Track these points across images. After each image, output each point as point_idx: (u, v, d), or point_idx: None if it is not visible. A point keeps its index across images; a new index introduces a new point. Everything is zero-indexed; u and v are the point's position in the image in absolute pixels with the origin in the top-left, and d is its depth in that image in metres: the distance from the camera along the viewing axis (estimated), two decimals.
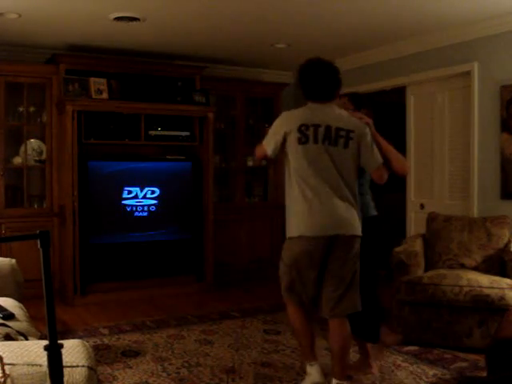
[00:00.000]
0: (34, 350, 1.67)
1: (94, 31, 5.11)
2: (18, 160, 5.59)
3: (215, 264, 6.05)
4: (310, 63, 3.11)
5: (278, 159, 3.90)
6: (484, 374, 3.26)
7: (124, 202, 5.71)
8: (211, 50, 5.91)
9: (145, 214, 5.82)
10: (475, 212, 4.93)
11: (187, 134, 5.99)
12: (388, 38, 5.44)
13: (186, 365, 3.65)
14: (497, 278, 3.93)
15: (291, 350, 3.94)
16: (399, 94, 5.92)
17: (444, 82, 5.36)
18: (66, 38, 5.38)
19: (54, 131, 5.58)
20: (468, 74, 5.02)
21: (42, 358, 1.56)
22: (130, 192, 5.73)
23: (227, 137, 6.67)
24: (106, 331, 4.41)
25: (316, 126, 2.99)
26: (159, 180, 5.87)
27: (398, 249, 4.25)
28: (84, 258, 5.44)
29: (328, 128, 2.99)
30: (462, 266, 4.28)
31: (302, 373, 3.37)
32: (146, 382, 3.36)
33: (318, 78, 3.07)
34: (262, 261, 6.57)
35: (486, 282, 3.87)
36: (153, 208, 5.85)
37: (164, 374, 3.47)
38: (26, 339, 2.37)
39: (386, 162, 3.11)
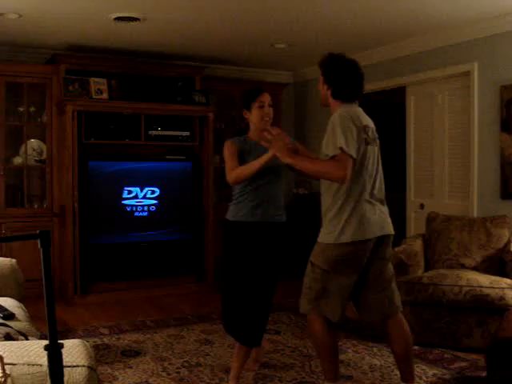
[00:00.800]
0: (35, 350, 1.67)
1: (94, 31, 5.11)
2: (18, 160, 5.60)
3: (215, 264, 6.04)
4: (349, 61, 2.95)
5: None
6: (484, 373, 3.26)
7: (124, 201, 5.72)
8: (211, 50, 5.91)
9: (145, 213, 5.82)
10: (475, 212, 4.93)
11: (187, 133, 5.99)
12: (388, 38, 5.44)
13: (186, 364, 3.65)
14: (497, 278, 3.93)
15: (291, 350, 3.94)
16: (399, 93, 5.92)
17: (444, 82, 5.36)
18: (66, 38, 5.38)
19: (54, 131, 5.58)
20: (468, 74, 5.02)
21: (43, 358, 1.56)
22: (130, 192, 5.74)
23: (227, 137, 6.65)
24: (106, 331, 4.42)
25: (367, 127, 2.92)
26: (159, 180, 5.87)
27: (397, 249, 4.25)
28: (84, 257, 5.45)
29: (372, 129, 2.98)
30: (462, 266, 4.28)
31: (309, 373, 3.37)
32: (146, 381, 3.36)
33: (360, 78, 2.97)
34: None
35: (485, 281, 3.87)
36: (153, 208, 5.85)
37: (164, 374, 3.48)
38: (27, 339, 2.37)
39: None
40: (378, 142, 3.06)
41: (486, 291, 3.82)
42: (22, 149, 5.59)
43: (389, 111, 7.17)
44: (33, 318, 3.13)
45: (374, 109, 7.25)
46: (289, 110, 6.93)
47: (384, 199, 3.05)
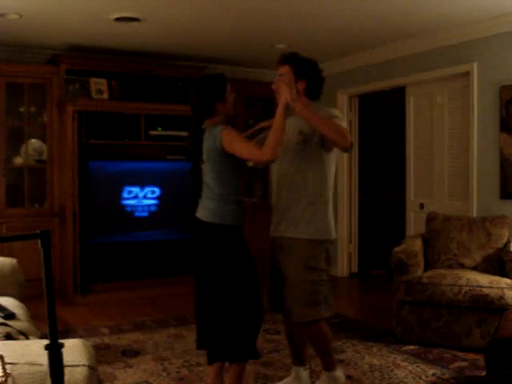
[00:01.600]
0: (35, 350, 1.68)
1: (94, 31, 5.11)
2: (18, 160, 5.60)
3: None
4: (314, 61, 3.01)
5: None
6: (483, 373, 3.27)
7: (124, 201, 5.72)
8: (211, 49, 5.92)
9: (145, 213, 5.82)
10: (474, 212, 4.94)
11: (187, 133, 5.98)
12: (388, 38, 5.44)
13: (186, 364, 3.66)
14: (496, 278, 3.93)
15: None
16: (399, 93, 5.93)
17: (443, 82, 5.37)
18: (67, 39, 5.39)
19: (55, 131, 5.59)
20: (467, 74, 5.02)
21: (43, 358, 1.57)
22: (130, 192, 5.74)
23: None
24: (106, 331, 4.42)
25: None
26: (159, 180, 5.88)
27: (397, 249, 4.26)
28: (84, 257, 5.45)
29: None
30: (462, 266, 4.29)
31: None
32: (147, 381, 3.37)
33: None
34: (261, 261, 6.57)
35: (485, 281, 3.88)
36: (153, 208, 5.85)
37: (164, 374, 3.48)
38: (27, 338, 2.37)
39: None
40: None
41: (486, 291, 3.82)
42: (23, 149, 5.59)
43: (389, 111, 7.18)
44: (33, 317, 3.14)
45: (374, 109, 7.30)
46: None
47: None
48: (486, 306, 3.82)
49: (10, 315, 2.81)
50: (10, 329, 2.43)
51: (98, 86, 5.57)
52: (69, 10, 4.43)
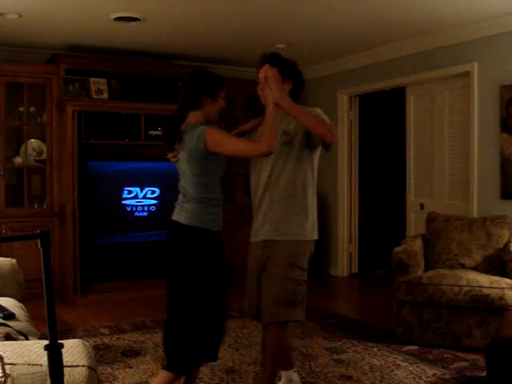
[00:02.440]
0: (35, 350, 1.67)
1: (94, 31, 5.11)
2: (18, 160, 5.60)
3: None
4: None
5: None
6: (484, 373, 3.26)
7: (124, 201, 5.72)
8: (211, 50, 5.92)
9: (145, 214, 5.82)
10: (475, 212, 4.93)
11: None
12: (388, 38, 5.44)
13: None
14: (496, 278, 3.93)
15: (291, 350, 3.94)
16: (399, 94, 5.92)
17: (444, 82, 5.36)
18: (66, 38, 5.39)
19: (55, 131, 5.59)
20: (468, 74, 5.02)
21: (43, 358, 1.56)
22: (130, 192, 5.74)
23: None
24: (106, 331, 4.42)
25: None
26: (159, 180, 5.87)
27: (397, 249, 4.25)
28: (84, 257, 5.45)
29: None
30: (462, 266, 4.28)
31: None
32: (146, 381, 3.36)
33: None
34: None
35: (485, 281, 3.87)
36: (153, 208, 5.85)
37: None
38: (27, 339, 2.37)
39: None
40: None
41: (486, 291, 3.82)
42: (22, 149, 5.59)
43: (389, 111, 7.18)
44: (33, 317, 3.13)
45: (374, 109, 7.30)
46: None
47: None
48: (486, 307, 3.82)
49: (10, 315, 2.81)
50: (10, 329, 2.42)
51: (98, 85, 5.57)
52: (68, 9, 4.43)
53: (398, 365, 3.64)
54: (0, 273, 3.45)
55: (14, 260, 3.65)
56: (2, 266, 3.51)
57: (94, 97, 5.53)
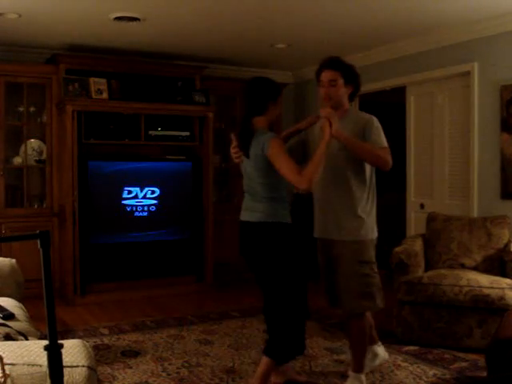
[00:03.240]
0: (34, 350, 1.67)
1: (94, 31, 5.11)
2: (18, 160, 5.60)
3: (215, 264, 6.04)
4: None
5: None
6: (484, 373, 3.26)
7: (124, 201, 5.71)
8: (211, 49, 5.91)
9: (145, 214, 5.82)
10: (475, 212, 4.93)
11: (187, 134, 5.99)
12: (388, 38, 5.44)
13: (186, 365, 3.65)
14: (497, 278, 3.93)
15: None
16: (399, 93, 5.92)
17: (444, 82, 5.36)
18: (66, 38, 5.38)
19: (54, 131, 5.58)
20: (468, 74, 5.02)
21: (42, 358, 1.56)
22: (130, 192, 5.74)
23: (227, 137, 6.66)
24: (105, 331, 4.41)
25: None
26: (159, 180, 5.87)
27: (397, 249, 4.25)
28: (84, 257, 5.45)
29: None
30: (462, 266, 4.28)
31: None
32: (146, 381, 3.36)
33: None
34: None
35: (485, 281, 3.87)
36: (153, 208, 5.85)
37: (164, 374, 3.48)
38: (26, 339, 2.36)
39: None
40: None
41: (486, 291, 3.82)
42: (22, 149, 5.59)
43: (389, 111, 7.17)
44: (33, 318, 3.13)
45: (374, 109, 7.29)
46: (289, 110, 6.93)
47: None
48: (486, 307, 3.82)
49: (9, 315, 2.80)
50: (9, 329, 2.42)
51: (98, 85, 5.56)
52: (68, 9, 4.43)
53: (398, 365, 3.64)
54: (0, 273, 3.45)
55: (14, 260, 3.65)
56: (1, 266, 3.50)
57: (94, 97, 5.53)
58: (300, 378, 3.39)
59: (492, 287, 3.83)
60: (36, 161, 5.66)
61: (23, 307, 3.15)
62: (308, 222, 3.35)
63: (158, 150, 6.02)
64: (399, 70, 5.72)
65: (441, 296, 3.92)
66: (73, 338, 3.88)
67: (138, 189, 5.77)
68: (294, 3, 4.31)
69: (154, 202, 5.85)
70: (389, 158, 3.01)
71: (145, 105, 5.70)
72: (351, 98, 3.14)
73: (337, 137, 2.91)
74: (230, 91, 6.49)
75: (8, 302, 3.08)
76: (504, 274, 4.03)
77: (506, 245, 4.25)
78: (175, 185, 5.96)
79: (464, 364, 3.65)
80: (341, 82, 3.05)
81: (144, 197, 5.79)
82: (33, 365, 1.59)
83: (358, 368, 3.19)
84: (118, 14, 4.57)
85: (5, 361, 1.54)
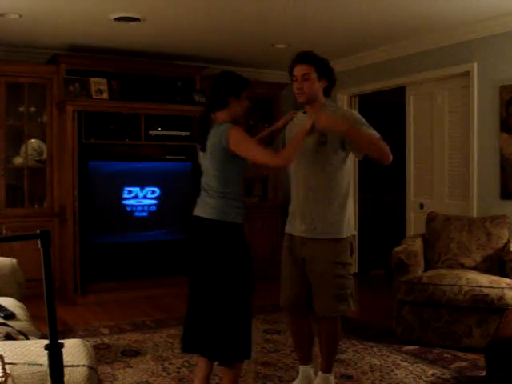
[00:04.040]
0: (35, 350, 1.67)
1: (94, 31, 5.11)
2: (18, 160, 5.60)
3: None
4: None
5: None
6: (483, 373, 3.27)
7: (124, 201, 5.72)
8: (211, 49, 5.92)
9: (145, 213, 5.82)
10: (475, 212, 4.94)
11: (187, 133, 5.99)
12: (388, 38, 5.44)
13: (186, 364, 3.65)
14: (496, 278, 3.93)
15: (291, 350, 3.94)
16: (399, 93, 5.92)
17: (444, 82, 5.36)
18: (67, 38, 5.39)
19: (55, 131, 5.59)
20: (467, 74, 5.02)
21: (43, 358, 1.57)
22: (130, 192, 5.74)
23: None
24: (106, 331, 4.42)
25: None
26: (159, 180, 5.87)
27: (397, 249, 4.25)
28: (84, 257, 5.45)
29: None
30: (462, 266, 4.28)
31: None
32: (147, 381, 3.36)
33: None
34: (261, 261, 6.57)
35: (485, 281, 3.88)
36: (153, 208, 5.85)
37: (164, 374, 3.48)
38: (27, 339, 2.37)
39: None
40: None
41: (486, 291, 3.82)
42: (23, 149, 5.59)
43: (389, 111, 7.18)
44: (33, 317, 3.13)
45: (374, 109, 7.29)
46: (289, 110, 6.92)
47: None
48: (486, 306, 3.82)
49: (10, 315, 2.81)
50: (10, 329, 2.43)
51: (98, 85, 5.57)
52: (69, 9, 4.43)
53: (398, 365, 3.64)
54: (0, 273, 3.46)
55: (15, 260, 3.65)
56: (2, 265, 3.51)
57: (94, 97, 5.53)
58: None
59: (491, 287, 3.83)
60: (36, 161, 5.66)
61: (24, 307, 3.16)
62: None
63: (158, 150, 6.02)
64: (399, 70, 5.72)
65: (440, 296, 3.92)
66: (73, 337, 3.88)
67: (138, 189, 5.77)
68: (294, 3, 4.31)
69: (154, 201, 5.86)
70: (387, 150, 2.83)
71: (145, 105, 5.70)
72: (327, 93, 3.03)
73: (334, 126, 2.79)
74: None
75: (9, 302, 3.08)
76: (503, 274, 4.04)
77: (506, 245, 4.25)
78: (175, 185, 5.97)
79: (463, 364, 3.65)
80: (314, 76, 2.96)
81: (144, 197, 5.80)
82: (33, 364, 1.60)
83: (328, 368, 3.14)
84: (118, 14, 4.57)
85: (6, 360, 1.55)
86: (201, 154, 2.88)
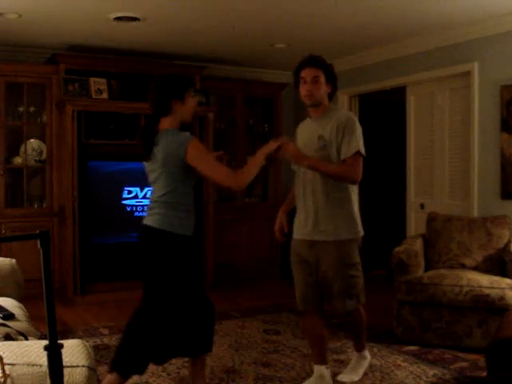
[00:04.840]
0: (34, 350, 1.67)
1: (94, 31, 5.11)
2: (18, 160, 5.60)
3: (215, 264, 6.04)
4: None
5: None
6: (484, 373, 3.26)
7: (124, 201, 5.71)
8: (211, 49, 5.91)
9: (145, 214, 5.79)
10: (475, 212, 4.93)
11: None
12: (388, 38, 5.44)
13: (186, 365, 3.63)
14: (497, 278, 3.93)
15: (291, 350, 3.94)
16: (399, 93, 5.92)
17: (444, 81, 5.36)
18: (66, 38, 5.38)
19: (54, 131, 5.58)
20: (468, 73, 5.02)
21: (42, 358, 1.56)
22: (130, 192, 5.73)
23: (227, 137, 6.67)
24: (105, 331, 4.41)
25: None
26: None
27: (398, 249, 4.25)
28: (84, 257, 5.45)
29: None
30: (462, 266, 4.28)
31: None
32: (146, 381, 3.36)
33: None
34: (262, 261, 6.57)
35: (486, 281, 3.87)
36: None
37: (164, 374, 3.48)
38: (26, 339, 2.36)
39: None
40: None
41: (487, 291, 3.82)
42: (22, 149, 5.59)
43: (389, 111, 7.17)
44: (33, 318, 3.13)
45: (374, 109, 7.29)
46: (289, 110, 6.93)
47: None
48: (486, 307, 3.82)
49: (9, 316, 2.80)
50: (9, 329, 2.42)
51: (98, 85, 5.57)
52: (68, 9, 4.43)
53: (398, 365, 3.64)
54: (0, 273, 3.45)
55: (14, 260, 3.65)
56: (1, 266, 3.50)
57: (94, 97, 5.53)
58: None
59: (492, 287, 3.83)
60: (36, 161, 5.65)
61: (23, 307, 3.15)
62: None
63: None
64: (399, 70, 5.72)
65: (441, 296, 3.92)
66: (73, 337, 3.88)
67: (138, 189, 5.77)
68: (294, 3, 4.30)
69: None
70: (355, 173, 3.00)
71: (145, 105, 5.59)
72: (330, 98, 3.15)
73: (296, 161, 3.00)
74: (230, 91, 6.49)
75: (8, 302, 3.08)
76: (504, 274, 4.03)
77: (506, 245, 4.25)
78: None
79: (464, 364, 3.65)
80: (323, 79, 3.06)
81: (144, 197, 5.79)
82: (33, 365, 1.59)
83: (359, 347, 3.41)
84: (118, 14, 4.57)
85: (5, 361, 1.54)
86: (146, 163, 2.79)
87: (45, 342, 1.50)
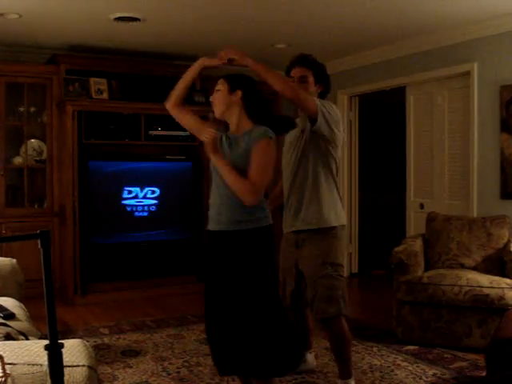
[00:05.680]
0: (35, 350, 1.67)
1: (94, 31, 5.11)
2: (18, 160, 5.60)
3: None
4: None
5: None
6: (483, 373, 3.27)
7: (124, 201, 5.72)
8: (211, 49, 5.90)
9: (145, 213, 5.82)
10: (475, 212, 4.93)
11: (187, 133, 5.98)
12: (388, 38, 5.44)
13: (186, 364, 3.65)
14: (496, 278, 3.93)
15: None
16: (399, 94, 5.92)
17: (444, 82, 5.36)
18: (67, 38, 5.39)
19: (55, 131, 5.59)
20: (468, 74, 5.02)
21: (43, 358, 1.56)
22: (130, 192, 5.74)
23: None
24: (106, 331, 4.42)
25: None
26: (159, 180, 5.87)
27: (397, 249, 4.25)
28: (84, 257, 5.45)
29: None
30: (462, 266, 4.28)
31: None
32: (146, 381, 3.36)
33: None
34: None
35: (485, 281, 3.88)
36: (153, 208, 5.85)
37: (164, 374, 3.48)
38: (27, 339, 2.37)
39: None
40: None
41: (486, 291, 3.82)
42: (22, 149, 5.59)
43: (389, 111, 7.18)
44: (33, 317, 3.13)
45: (374, 109, 7.30)
46: (289, 110, 6.93)
47: None
48: (486, 306, 3.82)
49: (10, 315, 2.81)
50: (10, 329, 2.42)
51: (98, 85, 5.57)
52: (69, 9, 4.43)
53: (398, 365, 3.64)
54: (0, 273, 3.45)
55: (14, 260, 3.65)
56: (2, 265, 3.51)
57: (94, 97, 5.53)
58: None
59: (492, 287, 3.83)
60: (36, 161, 5.66)
61: (24, 307, 3.16)
62: None
63: (158, 150, 6.02)
64: (399, 71, 5.72)
65: (440, 296, 3.92)
66: (73, 337, 3.88)
67: (138, 189, 5.77)
68: (294, 3, 4.31)
69: (154, 201, 5.85)
70: (308, 101, 2.85)
71: (145, 105, 5.70)
72: (322, 98, 3.05)
73: (243, 59, 3.00)
74: None
75: (8, 302, 3.08)
76: (503, 274, 4.04)
77: (506, 245, 4.25)
78: (175, 185, 5.97)
79: (464, 364, 3.65)
80: (311, 79, 3.00)
81: (144, 197, 5.80)
82: (33, 364, 1.60)
83: (344, 374, 3.08)
84: (118, 14, 4.57)
85: (5, 360, 1.54)
86: None
87: (45, 342, 1.50)
